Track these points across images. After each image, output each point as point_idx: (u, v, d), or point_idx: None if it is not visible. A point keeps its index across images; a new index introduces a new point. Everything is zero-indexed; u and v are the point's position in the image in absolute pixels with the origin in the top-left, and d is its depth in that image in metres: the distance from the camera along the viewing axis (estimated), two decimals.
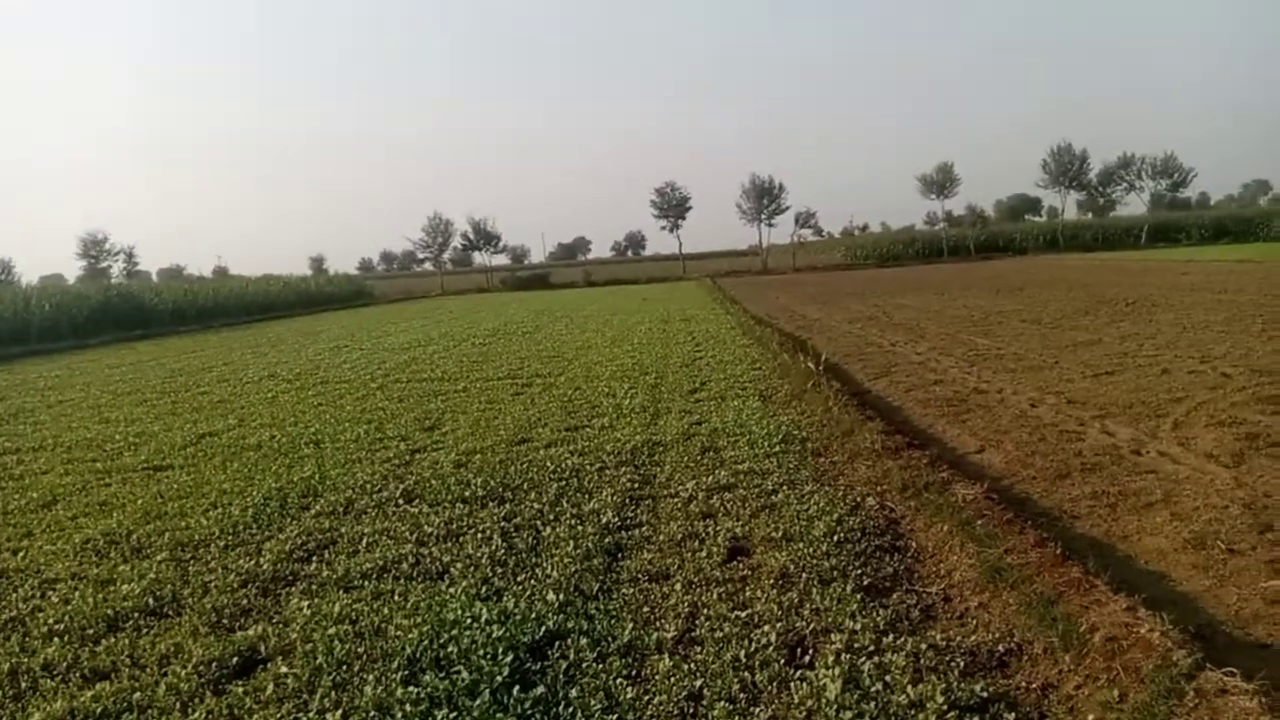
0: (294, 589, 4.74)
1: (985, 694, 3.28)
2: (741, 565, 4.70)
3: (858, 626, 3.84)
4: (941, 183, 65.52)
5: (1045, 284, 26.40)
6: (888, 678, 3.39)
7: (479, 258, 74.29)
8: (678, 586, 4.42)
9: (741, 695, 3.37)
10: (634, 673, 3.60)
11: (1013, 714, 3.16)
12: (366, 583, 4.73)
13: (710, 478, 6.36)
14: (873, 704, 3.22)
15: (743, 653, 3.66)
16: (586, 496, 6.07)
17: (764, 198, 65.67)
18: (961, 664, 3.50)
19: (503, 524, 5.55)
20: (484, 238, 68.32)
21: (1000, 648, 3.66)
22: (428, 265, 77.35)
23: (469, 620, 4.07)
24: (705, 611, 4.11)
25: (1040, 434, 7.33)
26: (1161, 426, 7.23)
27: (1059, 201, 68.72)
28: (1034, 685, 3.38)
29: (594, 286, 54.96)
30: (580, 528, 5.37)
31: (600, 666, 3.63)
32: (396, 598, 4.49)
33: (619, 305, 29.62)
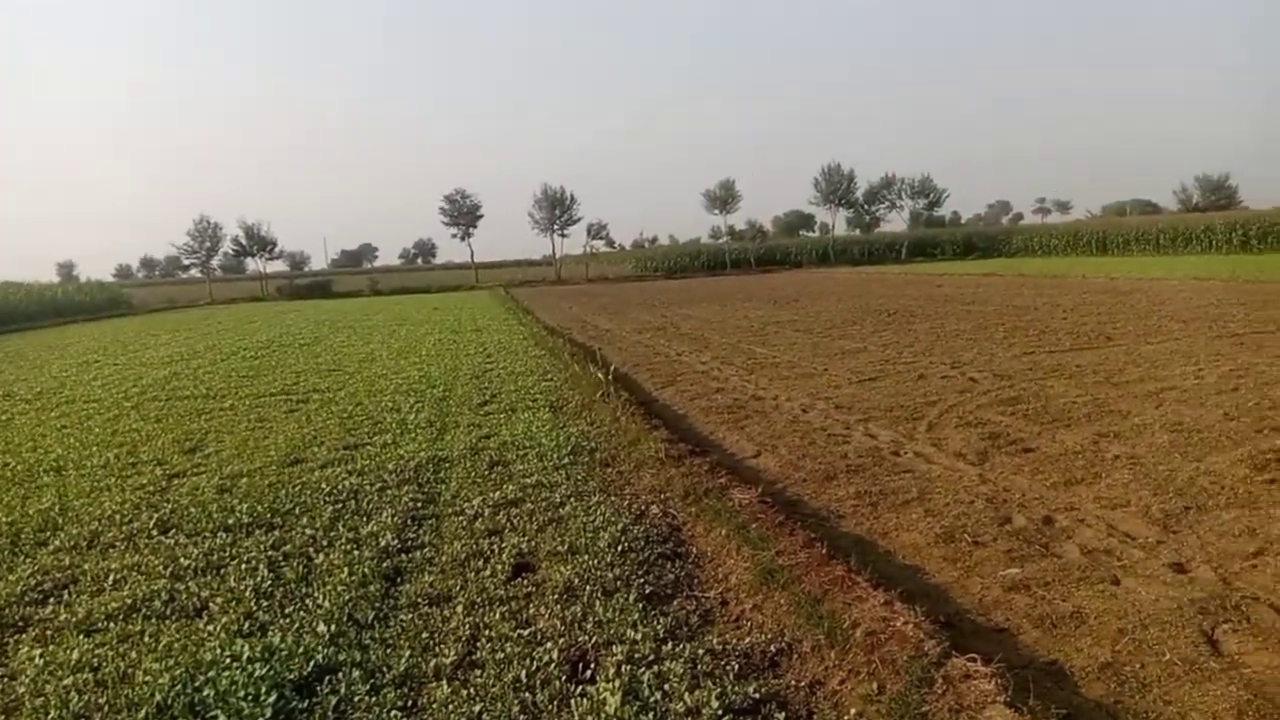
0: (25, 636, 4.23)
1: (757, 695, 3.39)
2: (526, 582, 4.63)
3: (639, 636, 3.88)
4: (725, 199, 68.61)
5: (817, 295, 28.17)
6: (666, 686, 3.44)
7: (253, 264, 69.30)
8: (459, 609, 4.29)
9: (522, 717, 3.30)
10: (409, 703, 3.45)
11: (783, 713, 3.28)
12: (112, 624, 4.29)
13: (498, 493, 6.24)
14: (651, 714, 3.25)
15: (524, 673, 3.60)
16: (365, 519, 5.78)
17: (556, 208, 65.95)
18: (736, 667, 3.61)
19: (270, 553, 5.18)
20: (258, 243, 63.97)
21: (772, 648, 3.80)
22: (195, 272, 71.90)
23: (228, 660, 3.76)
24: (487, 633, 4.01)
25: (811, 438, 7.76)
26: (918, 429, 7.85)
27: (830, 218, 73.57)
28: (803, 683, 3.53)
29: (381, 295, 53.06)
30: (356, 553, 5.10)
31: (373, 699, 3.44)
32: (146, 639, 4.09)
33: (407, 315, 28.74)
